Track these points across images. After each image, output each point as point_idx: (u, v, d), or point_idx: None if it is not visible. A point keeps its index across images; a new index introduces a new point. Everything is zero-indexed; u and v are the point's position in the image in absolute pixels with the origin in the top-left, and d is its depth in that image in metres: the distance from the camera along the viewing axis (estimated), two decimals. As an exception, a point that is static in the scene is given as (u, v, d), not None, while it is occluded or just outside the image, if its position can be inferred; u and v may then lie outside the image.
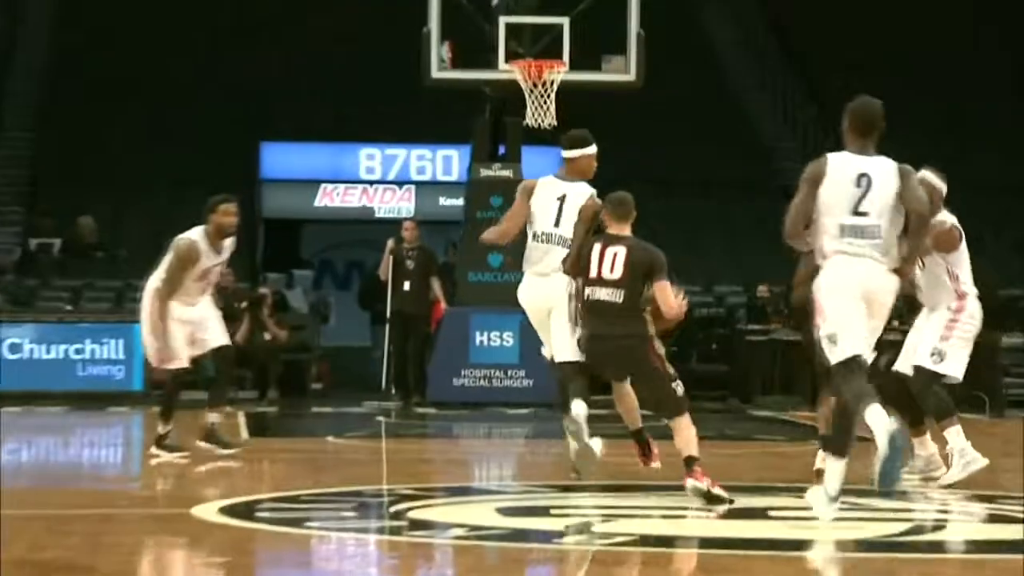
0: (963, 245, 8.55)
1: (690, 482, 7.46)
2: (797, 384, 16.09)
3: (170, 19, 24.47)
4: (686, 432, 7.29)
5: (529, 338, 10.92)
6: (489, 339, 15.99)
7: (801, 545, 6.76)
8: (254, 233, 22.54)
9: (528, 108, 15.97)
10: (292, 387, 18.31)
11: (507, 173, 15.78)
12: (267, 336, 17.54)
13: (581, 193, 8.52)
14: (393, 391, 16.85)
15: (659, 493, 8.15)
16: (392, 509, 8.15)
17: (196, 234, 9.66)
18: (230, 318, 17.75)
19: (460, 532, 7.19)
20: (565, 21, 15.78)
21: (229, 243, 9.90)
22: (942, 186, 8.50)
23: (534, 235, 8.61)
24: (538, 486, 9.36)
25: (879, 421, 6.58)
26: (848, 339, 6.70)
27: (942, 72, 23.97)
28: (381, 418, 15.38)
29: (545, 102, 15.93)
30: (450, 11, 16.26)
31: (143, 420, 13.80)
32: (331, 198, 23.24)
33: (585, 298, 7.63)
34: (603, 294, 7.54)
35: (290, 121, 23.03)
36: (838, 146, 7.09)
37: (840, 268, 6.68)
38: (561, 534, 7.04)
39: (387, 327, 16.95)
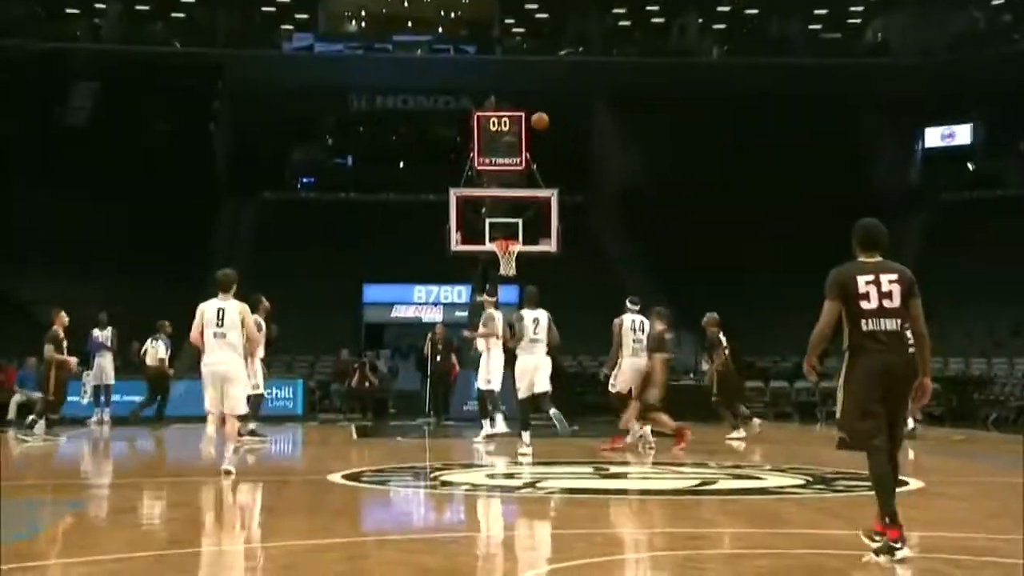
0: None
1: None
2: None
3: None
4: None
5: (505, 383, 14.02)
6: (480, 384, 16.47)
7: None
8: (361, 330, 29.29)
9: (501, 264, 18.82)
10: (380, 411, 21.92)
11: (491, 300, 16.11)
12: (367, 384, 21.66)
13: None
14: (431, 413, 19.52)
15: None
16: (431, 475, 9.48)
17: None
18: (345, 373, 22.38)
19: (466, 487, 8.76)
20: (520, 221, 19.46)
21: None
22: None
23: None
24: (510, 463, 10.76)
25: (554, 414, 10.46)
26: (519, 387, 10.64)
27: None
28: (426, 427, 17.85)
29: (510, 262, 18.62)
30: (461, 216, 19.52)
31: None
32: (400, 312, 29.24)
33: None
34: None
35: (380, 271, 29.42)
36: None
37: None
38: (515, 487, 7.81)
39: (428, 380, 20.17)
